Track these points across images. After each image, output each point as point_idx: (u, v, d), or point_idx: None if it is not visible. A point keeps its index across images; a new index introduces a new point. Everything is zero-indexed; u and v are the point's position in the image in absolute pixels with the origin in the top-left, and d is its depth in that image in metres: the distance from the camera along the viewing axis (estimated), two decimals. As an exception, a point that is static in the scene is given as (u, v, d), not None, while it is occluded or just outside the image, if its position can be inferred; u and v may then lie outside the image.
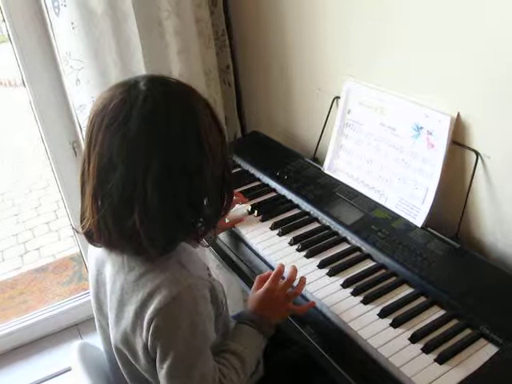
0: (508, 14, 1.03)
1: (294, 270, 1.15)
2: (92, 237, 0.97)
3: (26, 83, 1.88)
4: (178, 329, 0.91)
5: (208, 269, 1.05)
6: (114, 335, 1.01)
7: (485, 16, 1.08)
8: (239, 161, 1.72)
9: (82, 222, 0.97)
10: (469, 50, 1.14)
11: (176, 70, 1.77)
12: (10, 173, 4.12)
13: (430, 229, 1.25)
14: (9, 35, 1.82)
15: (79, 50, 1.69)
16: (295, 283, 1.15)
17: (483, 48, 1.11)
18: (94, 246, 1.01)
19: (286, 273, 1.16)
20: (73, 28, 1.67)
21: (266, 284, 1.12)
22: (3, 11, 1.73)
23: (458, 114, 1.20)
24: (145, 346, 0.94)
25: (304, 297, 1.18)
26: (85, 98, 1.75)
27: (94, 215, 0.91)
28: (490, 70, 1.11)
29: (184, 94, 0.94)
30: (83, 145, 1.78)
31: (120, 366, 1.07)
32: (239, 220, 1.43)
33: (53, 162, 2.02)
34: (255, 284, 1.15)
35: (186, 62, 1.76)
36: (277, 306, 1.11)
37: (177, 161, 0.88)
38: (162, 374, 0.94)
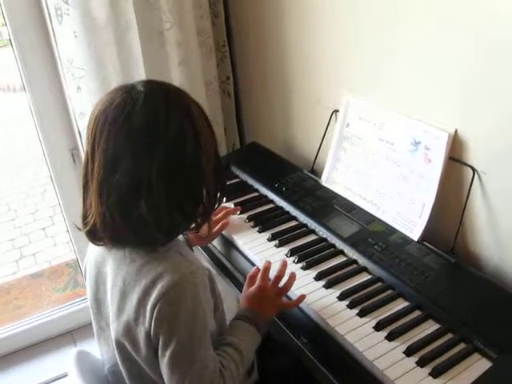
0: (507, 31, 1.05)
1: (283, 266, 1.19)
2: (95, 235, 1.01)
3: (26, 89, 1.89)
4: (180, 314, 0.94)
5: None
6: (115, 329, 1.03)
7: (484, 33, 1.10)
8: (237, 171, 1.73)
9: (84, 221, 1.01)
10: (468, 67, 1.16)
11: (177, 80, 1.79)
12: (7, 178, 4.12)
13: (426, 243, 1.27)
14: (10, 40, 1.83)
15: (81, 59, 1.71)
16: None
17: (482, 66, 1.13)
18: (96, 244, 1.04)
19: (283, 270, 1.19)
20: (75, 37, 1.68)
21: (257, 282, 1.16)
22: (5, 15, 1.74)
23: (456, 131, 1.22)
24: (147, 334, 0.96)
25: (300, 308, 1.19)
26: (85, 105, 1.76)
27: (100, 210, 0.95)
28: (489, 87, 1.13)
29: (179, 95, 1.00)
30: (83, 150, 1.79)
31: (119, 363, 1.07)
32: (226, 223, 1.45)
33: (51, 168, 2.03)
34: (246, 283, 1.20)
35: (186, 73, 1.79)
36: (268, 303, 1.14)
37: (177, 152, 0.95)
38: (164, 361, 0.96)
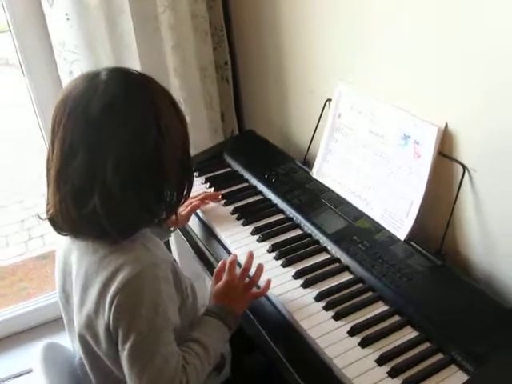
0: (499, 25, 0.98)
1: (250, 257, 1.15)
2: (56, 224, 0.99)
3: (24, 73, 1.87)
4: (140, 307, 0.91)
5: (175, 261, 1.06)
6: (77, 321, 1.01)
7: (476, 26, 1.03)
8: (230, 161, 1.68)
9: (46, 209, 0.99)
10: (460, 61, 1.09)
11: (170, 64, 1.74)
12: (18, 158, 4.15)
13: (413, 243, 1.20)
14: (8, 24, 1.80)
15: (72, 42, 1.67)
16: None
17: (474, 60, 1.06)
18: (59, 233, 1.01)
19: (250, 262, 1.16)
20: (67, 19, 1.64)
21: (224, 277, 1.13)
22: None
23: (446, 125, 1.14)
24: (107, 327, 0.94)
25: (275, 306, 1.14)
26: (77, 90, 1.73)
27: (56, 200, 0.94)
28: (481, 82, 1.06)
29: (143, 83, 0.97)
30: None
31: (82, 356, 1.06)
32: (196, 205, 1.44)
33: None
34: (213, 279, 1.16)
35: (180, 57, 1.73)
36: (237, 297, 1.11)
37: (136, 144, 0.91)
38: (123, 355, 0.93)
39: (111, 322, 0.93)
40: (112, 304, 0.92)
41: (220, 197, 1.50)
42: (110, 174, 0.89)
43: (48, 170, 0.96)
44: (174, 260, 1.07)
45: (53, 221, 0.99)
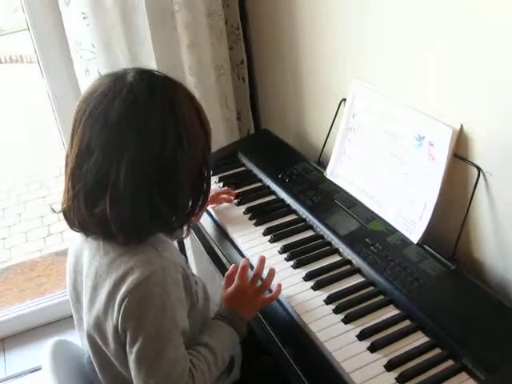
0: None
1: (261, 262, 1.14)
2: (69, 218, 0.98)
3: (42, 71, 1.88)
4: (149, 310, 0.91)
5: (187, 262, 1.07)
6: (87, 321, 1.01)
7: (496, 25, 1.00)
8: (244, 160, 1.68)
9: (62, 202, 0.99)
10: (477, 61, 1.06)
11: (186, 63, 1.74)
12: (40, 154, 4.20)
13: (426, 246, 1.18)
14: (27, 23, 1.82)
15: (89, 41, 1.68)
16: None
17: (492, 60, 1.03)
18: (71, 227, 1.01)
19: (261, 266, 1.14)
20: (83, 18, 1.65)
21: (235, 282, 1.12)
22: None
23: (462, 127, 1.11)
24: (115, 329, 0.94)
25: (284, 308, 1.13)
26: (94, 88, 1.73)
27: (69, 196, 0.94)
28: (497, 83, 1.03)
29: (168, 89, 0.95)
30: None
31: (91, 355, 1.06)
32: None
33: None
34: (224, 283, 1.15)
35: (196, 56, 1.72)
36: (248, 302, 1.10)
37: (152, 150, 0.90)
38: (131, 358, 0.93)
39: (120, 325, 0.92)
40: (121, 306, 0.91)
41: (233, 197, 1.49)
42: (122, 177, 0.88)
43: (66, 164, 0.96)
44: (186, 261, 1.06)
45: (66, 215, 0.99)
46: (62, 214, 1.00)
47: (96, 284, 0.97)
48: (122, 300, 0.91)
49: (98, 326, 0.98)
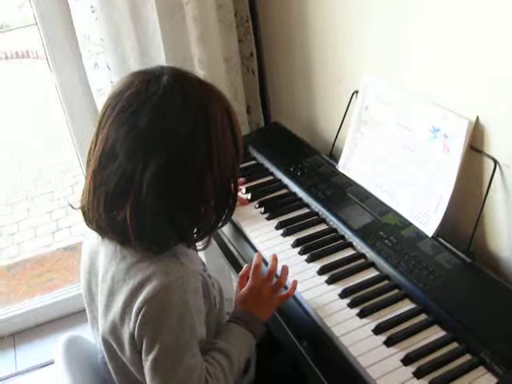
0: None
1: (274, 260, 1.12)
2: (87, 217, 0.96)
3: (50, 66, 1.87)
4: (166, 320, 0.89)
5: (204, 264, 1.03)
6: (102, 325, 0.99)
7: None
8: (255, 153, 1.66)
9: (81, 198, 0.96)
10: (492, 51, 1.04)
11: (195, 55, 1.72)
12: (48, 150, 4.21)
13: (441, 239, 1.16)
14: (35, 18, 1.81)
15: (98, 34, 1.67)
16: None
17: (508, 51, 1.01)
18: (88, 225, 0.98)
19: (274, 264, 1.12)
20: (92, 11, 1.64)
21: (249, 282, 1.09)
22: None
23: (477, 118, 1.10)
24: (131, 336, 0.92)
25: (298, 302, 1.12)
26: (102, 82, 1.73)
27: (89, 197, 0.91)
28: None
29: (203, 99, 0.91)
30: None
31: (106, 359, 1.05)
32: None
33: (77, 144, 2.01)
34: (237, 284, 1.13)
35: (205, 48, 1.71)
36: (264, 302, 1.08)
37: (179, 161, 0.87)
38: (147, 366, 0.91)
39: (136, 332, 0.90)
40: (138, 315, 0.89)
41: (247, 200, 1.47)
42: (145, 186, 0.85)
43: (88, 160, 0.92)
44: (204, 264, 1.03)
45: (84, 212, 0.96)
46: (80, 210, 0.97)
47: (112, 289, 0.95)
48: (140, 309, 0.89)
49: (114, 331, 0.96)
